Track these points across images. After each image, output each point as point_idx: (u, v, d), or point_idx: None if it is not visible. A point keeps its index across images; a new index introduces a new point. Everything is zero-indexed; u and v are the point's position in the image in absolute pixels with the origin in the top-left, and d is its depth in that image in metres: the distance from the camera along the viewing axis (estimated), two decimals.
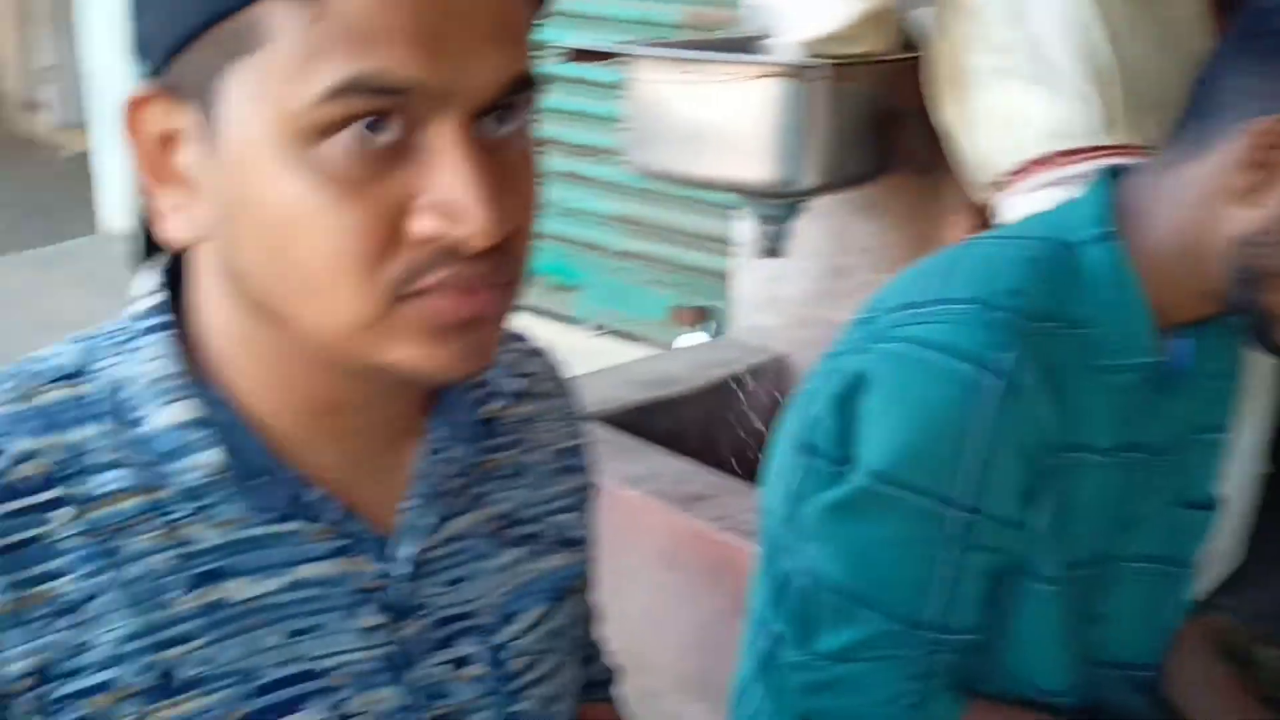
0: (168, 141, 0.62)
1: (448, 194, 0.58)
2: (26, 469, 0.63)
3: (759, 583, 1.23)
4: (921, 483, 1.02)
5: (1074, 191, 1.15)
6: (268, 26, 0.56)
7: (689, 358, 2.77)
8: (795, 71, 1.96)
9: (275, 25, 0.56)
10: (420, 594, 0.72)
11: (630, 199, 3.46)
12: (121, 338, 0.68)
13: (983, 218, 1.96)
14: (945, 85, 1.91)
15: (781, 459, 1.18)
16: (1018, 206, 1.73)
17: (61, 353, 0.68)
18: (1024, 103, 1.76)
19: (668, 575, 2.01)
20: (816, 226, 2.57)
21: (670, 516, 1.98)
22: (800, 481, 1.12)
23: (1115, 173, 1.11)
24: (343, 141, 0.57)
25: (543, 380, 0.88)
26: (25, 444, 0.63)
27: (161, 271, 0.70)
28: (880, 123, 2.12)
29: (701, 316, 3.33)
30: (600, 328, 3.61)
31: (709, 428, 2.55)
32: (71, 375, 0.67)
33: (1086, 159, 1.67)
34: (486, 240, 0.58)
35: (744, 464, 2.50)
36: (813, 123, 1.99)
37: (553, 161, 3.53)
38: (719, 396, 2.60)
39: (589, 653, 1.03)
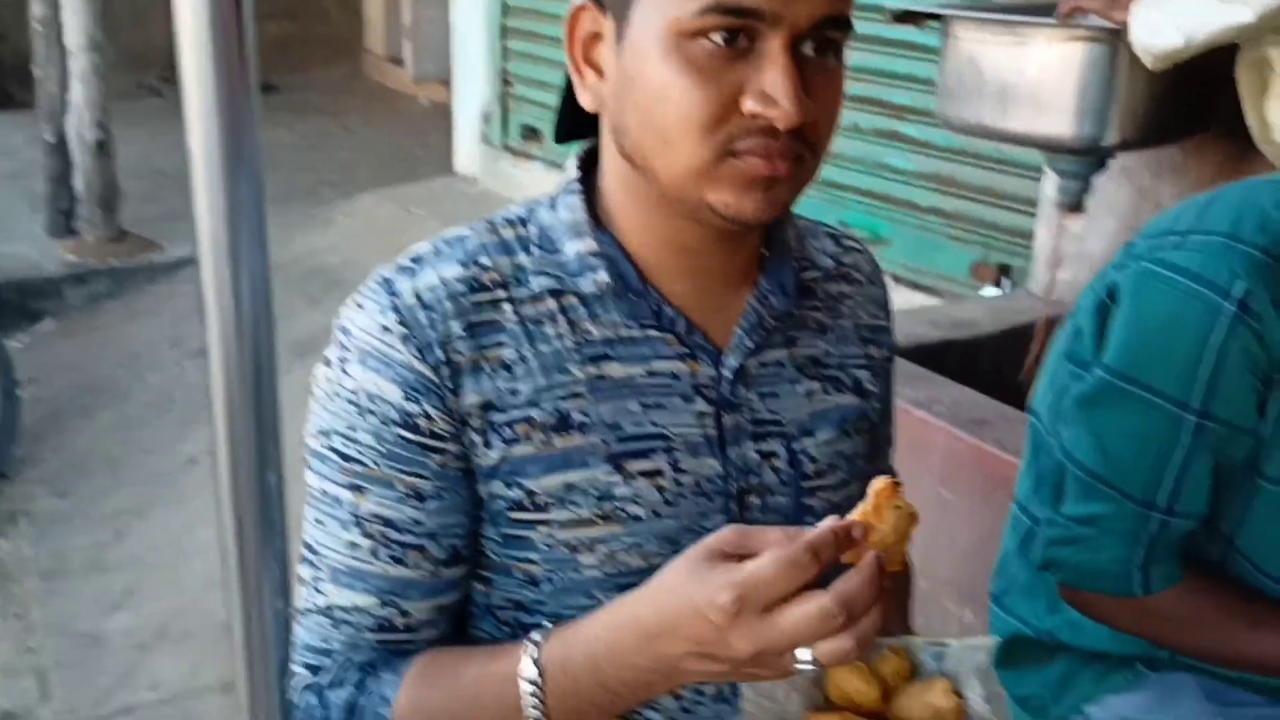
0: (592, 39, 0.93)
1: (768, 86, 0.85)
2: (490, 275, 0.95)
3: (1023, 475, 1.43)
4: (1158, 385, 1.17)
5: None
6: None
7: (987, 306, 2.91)
8: (1106, 35, 2.09)
9: None
10: (740, 396, 0.99)
11: (939, 158, 3.55)
12: (550, 200, 0.99)
13: None
14: (1243, 62, 2.01)
15: (1051, 367, 1.37)
16: None
17: (516, 208, 1.01)
18: None
19: (949, 491, 2.21)
20: (1119, 186, 2.66)
21: (954, 437, 2.18)
22: (1064, 384, 1.31)
23: None
24: (704, 43, 0.85)
25: (860, 271, 1.12)
26: (489, 260, 0.96)
27: (578, 156, 1.00)
28: (1189, 86, 2.19)
29: (1002, 273, 3.43)
30: (897, 280, 3.74)
31: (1000, 370, 2.69)
32: (519, 221, 0.99)
33: None
34: (788, 122, 0.85)
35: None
36: (1119, 82, 2.11)
37: (868, 120, 3.70)
38: (1013, 343, 2.74)
39: None
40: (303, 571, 0.98)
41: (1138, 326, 1.19)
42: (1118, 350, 1.21)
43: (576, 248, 0.96)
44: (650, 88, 0.87)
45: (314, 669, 0.98)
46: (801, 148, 0.88)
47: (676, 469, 0.96)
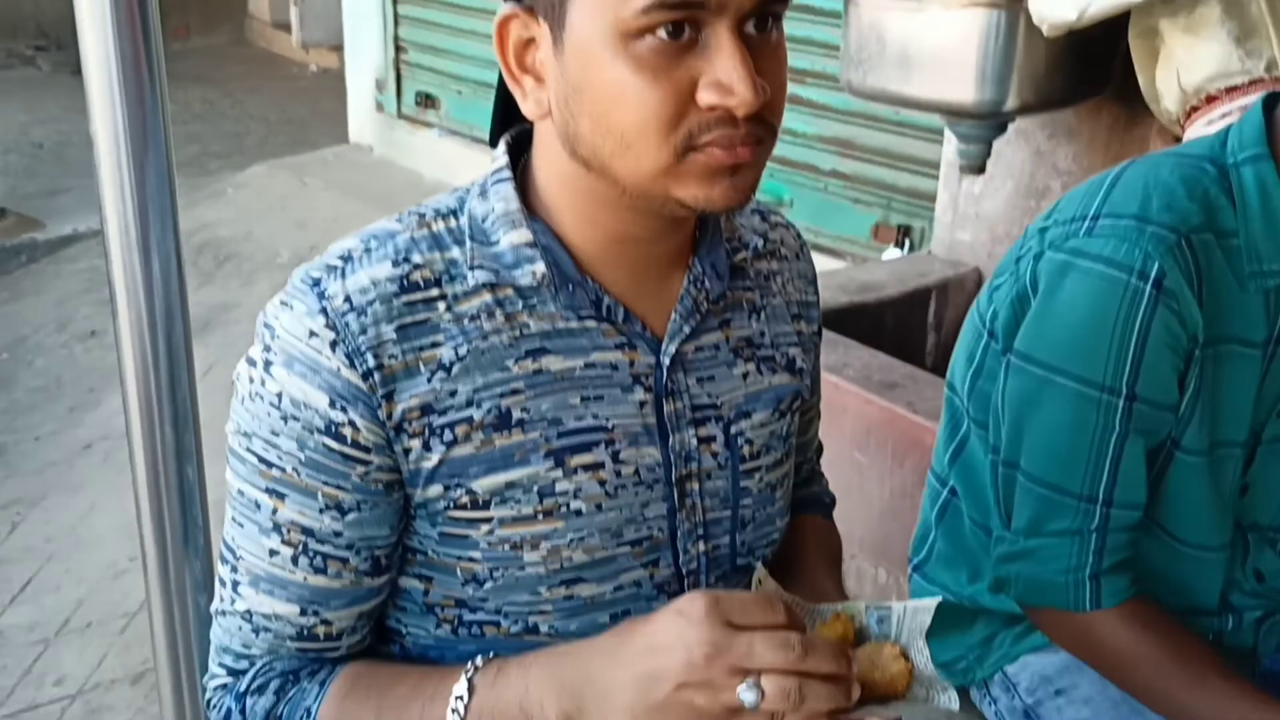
0: (525, 45, 0.89)
1: (723, 76, 0.83)
2: (422, 274, 0.92)
3: (940, 442, 1.44)
4: (1086, 374, 1.18)
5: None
6: None
7: (890, 268, 2.95)
8: (1005, 3, 2.12)
9: None
10: (678, 383, 0.99)
11: (839, 122, 3.60)
12: (480, 188, 0.97)
13: (1177, 144, 2.11)
14: (1135, 30, 2.07)
15: (967, 338, 1.38)
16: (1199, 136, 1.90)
17: (444, 199, 0.98)
18: (1187, 52, 1.94)
19: (862, 454, 2.25)
20: (1016, 148, 2.72)
21: (865, 401, 2.21)
22: (980, 357, 1.33)
23: (1273, 100, 1.24)
24: (650, 40, 0.82)
25: (787, 246, 1.12)
26: (421, 257, 0.93)
27: (505, 145, 0.98)
28: (1085, 51, 2.23)
29: (904, 234, 3.50)
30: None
31: (906, 330, 2.75)
32: (450, 213, 0.96)
33: (1253, 91, 1.82)
34: (748, 109, 0.83)
35: (937, 364, 2.69)
36: (1019, 48, 2.15)
37: None
38: (917, 304, 2.80)
39: (812, 475, 1.28)
40: (222, 570, 0.96)
41: (1060, 318, 1.20)
42: (1043, 344, 1.22)
43: (511, 239, 0.93)
44: (601, 92, 0.84)
45: (233, 672, 0.96)
46: (761, 130, 0.86)
47: (617, 460, 0.95)
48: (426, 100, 5.67)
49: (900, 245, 3.49)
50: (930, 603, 0.94)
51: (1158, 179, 1.21)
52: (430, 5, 5.48)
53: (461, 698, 0.87)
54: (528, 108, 0.90)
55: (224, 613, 0.96)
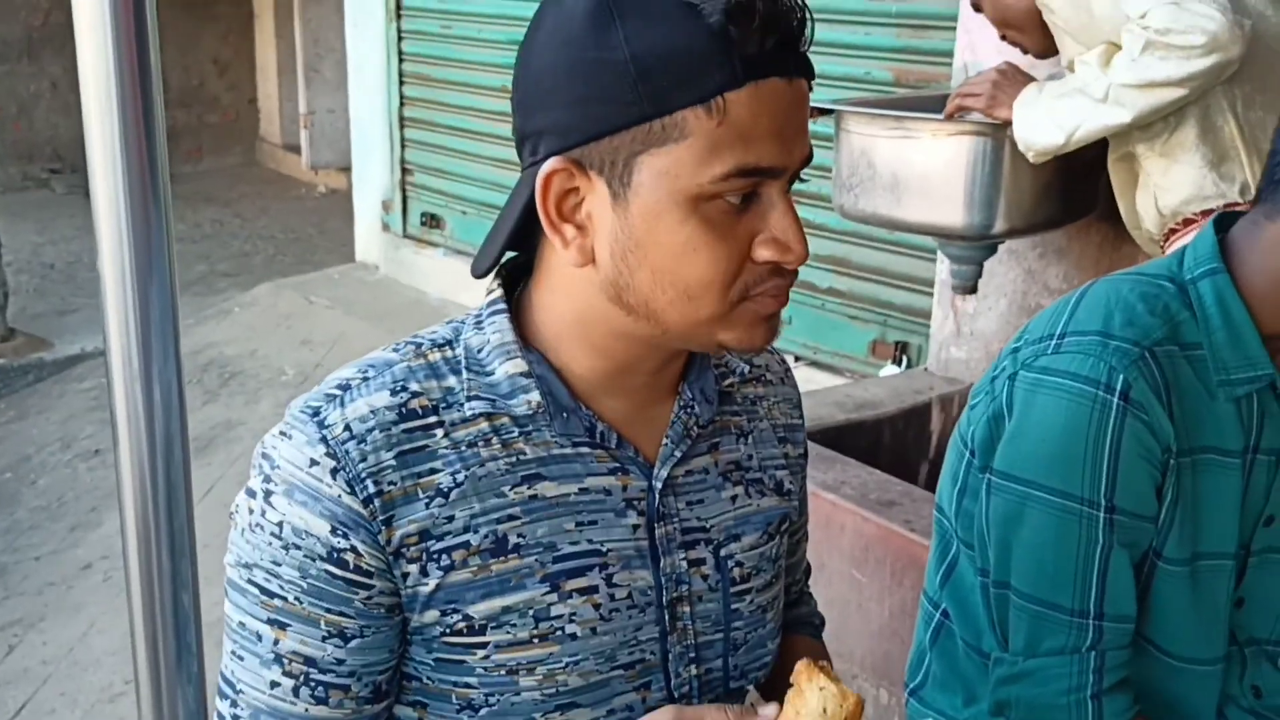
0: (566, 195, 0.91)
1: (779, 234, 0.88)
2: (419, 401, 0.94)
3: (931, 565, 1.45)
4: (1065, 487, 1.20)
5: None
6: (685, 128, 0.85)
7: (887, 385, 2.98)
8: (991, 130, 2.19)
9: (689, 127, 0.85)
10: (669, 506, 1.01)
11: (835, 241, 3.67)
12: (475, 319, 0.99)
13: None
14: (1113, 156, 2.13)
15: (951, 459, 1.40)
16: None
17: (439, 330, 1.00)
18: (1163, 176, 2.00)
19: (860, 573, 2.25)
20: (1009, 268, 2.77)
21: (863, 519, 2.22)
22: (963, 477, 1.34)
23: (1226, 220, 1.29)
24: (722, 204, 0.87)
25: (773, 371, 1.15)
26: (418, 385, 0.95)
27: (496, 278, 1.00)
28: (1070, 175, 2.29)
29: (900, 351, 3.53)
30: (797, 359, 3.83)
31: (903, 448, 2.77)
32: (445, 343, 0.99)
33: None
34: (801, 262, 0.89)
35: (933, 481, 2.69)
36: (1005, 175, 2.21)
37: None
38: (914, 421, 2.82)
39: (801, 596, 1.29)
40: (221, 706, 0.95)
41: (1035, 435, 1.23)
42: (1021, 461, 1.24)
43: (507, 369, 0.96)
44: (669, 248, 0.88)
45: None
46: (794, 277, 0.92)
47: (611, 584, 0.97)
48: (432, 220, 5.77)
49: (897, 362, 3.52)
50: None
51: (1119, 296, 1.25)
52: (436, 130, 5.62)
53: None
54: (569, 256, 0.91)
55: None
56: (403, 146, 5.84)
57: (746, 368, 1.12)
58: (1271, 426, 1.25)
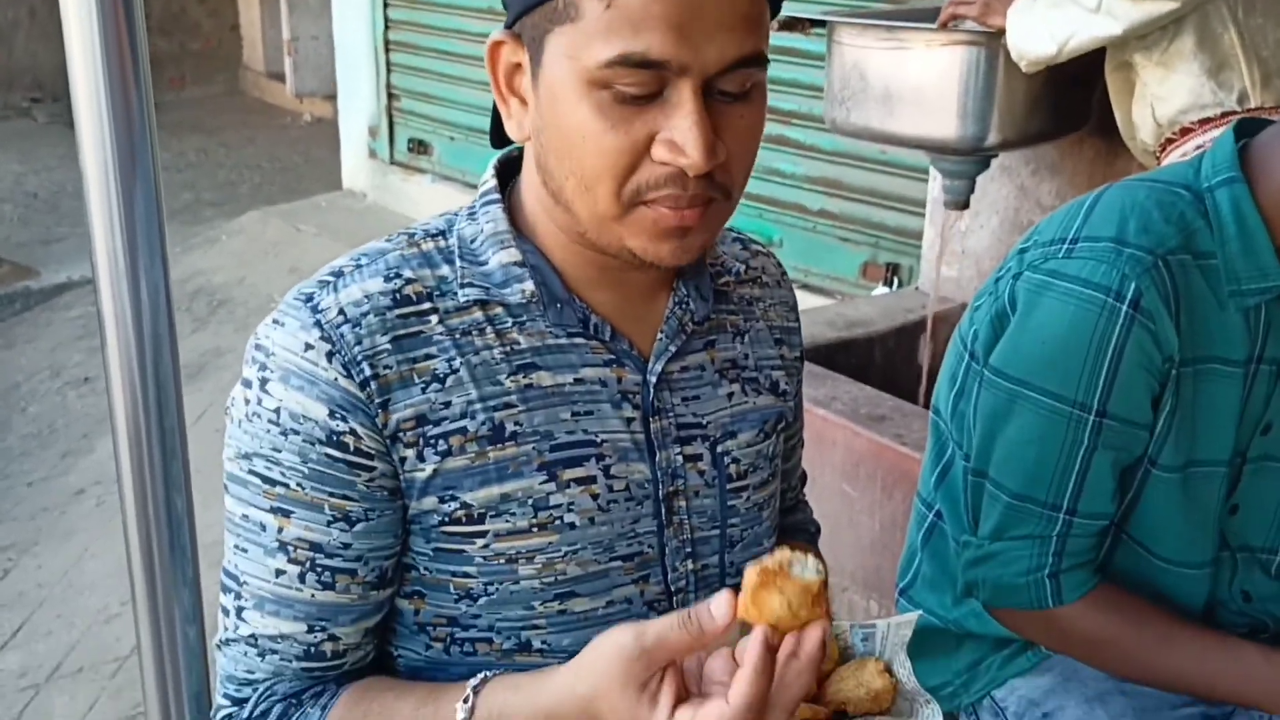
0: (514, 69, 0.92)
1: (676, 135, 0.85)
2: (414, 288, 0.94)
3: (925, 467, 1.46)
4: (1058, 390, 1.21)
5: None
6: (580, 8, 0.84)
7: (878, 304, 2.98)
8: (984, 39, 2.17)
9: (583, 8, 0.84)
10: (664, 401, 1.01)
11: (826, 162, 3.64)
12: (469, 210, 0.99)
13: None
14: (1111, 66, 2.11)
15: (950, 361, 1.40)
16: None
17: (433, 221, 1.00)
18: (1160, 85, 1.98)
19: (850, 486, 2.26)
20: (1001, 184, 2.75)
21: (854, 433, 2.23)
22: (962, 379, 1.35)
23: (1246, 126, 1.28)
24: (613, 91, 0.85)
25: (769, 274, 1.15)
26: (411, 273, 0.95)
27: (493, 167, 1.00)
28: (1064, 87, 2.27)
29: (892, 272, 3.52)
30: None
31: (894, 366, 2.78)
32: (439, 233, 0.99)
33: (1225, 123, 1.86)
34: (697, 171, 0.85)
35: (924, 400, 2.70)
36: (998, 85, 2.19)
37: None
38: (905, 339, 2.82)
39: (797, 503, 1.29)
40: (225, 600, 0.96)
41: (1036, 336, 1.23)
42: (1017, 360, 1.24)
43: (501, 258, 0.96)
44: (565, 130, 0.87)
45: (236, 700, 0.96)
46: (713, 190, 0.88)
47: (608, 475, 0.97)
48: (419, 146, 5.72)
49: (889, 283, 3.52)
50: (911, 616, 0.95)
51: (1134, 203, 1.24)
52: (422, 53, 5.55)
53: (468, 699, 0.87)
54: (511, 128, 0.94)
55: (228, 641, 0.96)
56: (388, 72, 5.76)
57: (742, 267, 1.11)
58: (1276, 337, 1.25)
